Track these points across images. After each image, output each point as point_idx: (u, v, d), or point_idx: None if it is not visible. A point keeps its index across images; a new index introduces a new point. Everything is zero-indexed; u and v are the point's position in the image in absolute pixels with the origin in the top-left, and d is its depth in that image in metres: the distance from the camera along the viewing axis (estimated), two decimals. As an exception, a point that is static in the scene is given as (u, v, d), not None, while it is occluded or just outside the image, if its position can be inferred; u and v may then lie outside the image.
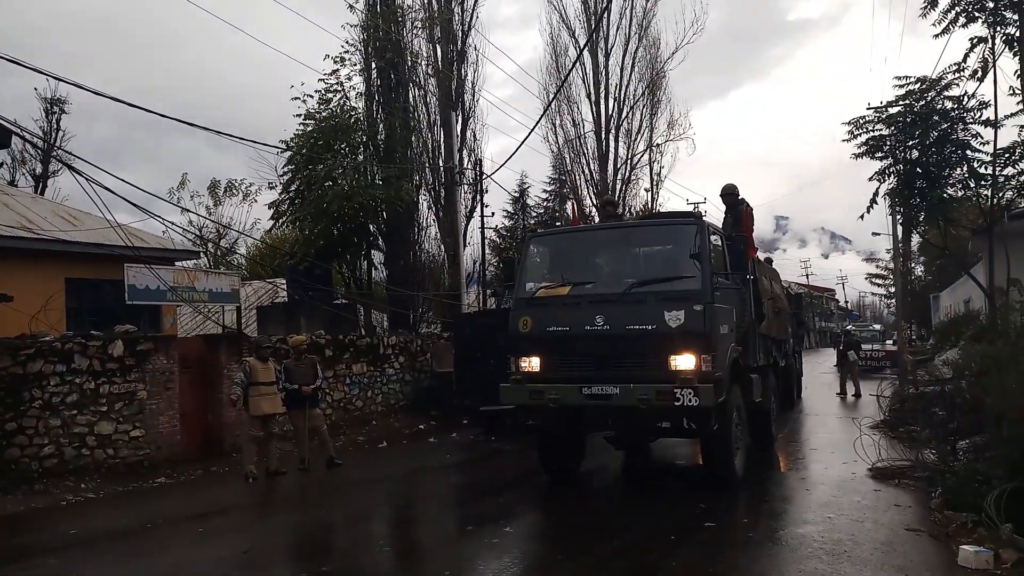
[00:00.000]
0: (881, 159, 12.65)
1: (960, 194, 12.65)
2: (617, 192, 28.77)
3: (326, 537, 7.29)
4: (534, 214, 35.93)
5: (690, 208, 28.64)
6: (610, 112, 29.08)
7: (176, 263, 15.01)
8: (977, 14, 11.55)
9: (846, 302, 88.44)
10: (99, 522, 7.84)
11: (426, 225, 20.30)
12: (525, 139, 44.91)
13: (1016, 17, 11.39)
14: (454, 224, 20.26)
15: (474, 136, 21.69)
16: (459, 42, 20.90)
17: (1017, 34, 11.44)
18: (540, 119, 30.72)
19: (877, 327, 41.77)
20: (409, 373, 16.30)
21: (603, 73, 28.81)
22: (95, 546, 6.99)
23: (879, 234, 33.22)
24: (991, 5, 11.46)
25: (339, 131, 16.78)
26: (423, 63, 20.20)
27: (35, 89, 26.46)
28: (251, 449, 10.08)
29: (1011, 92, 11.92)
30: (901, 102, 12.25)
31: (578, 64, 28.05)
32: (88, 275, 13.45)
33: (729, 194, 9.98)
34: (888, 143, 12.53)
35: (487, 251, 23.24)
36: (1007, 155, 11.77)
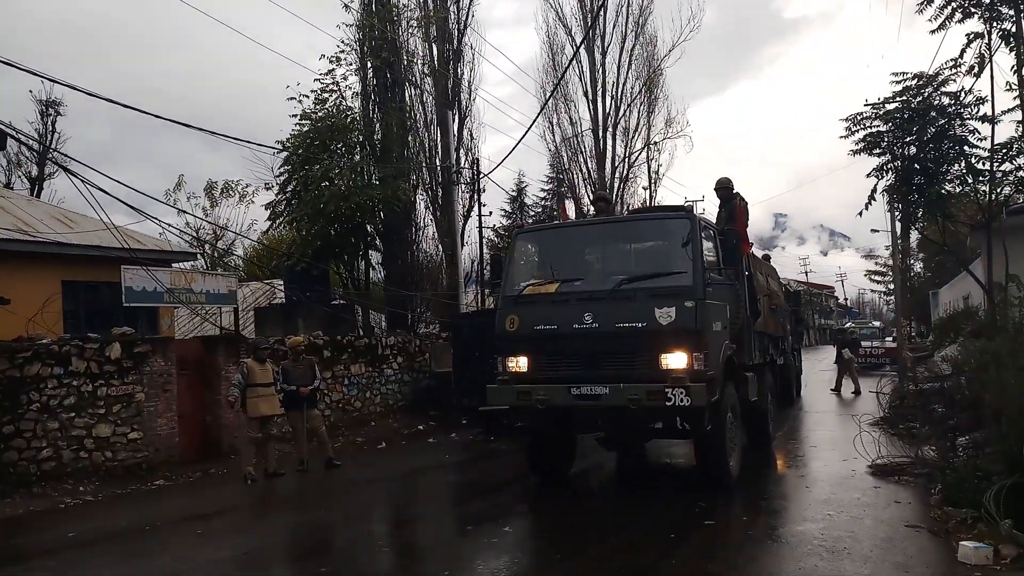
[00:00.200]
0: (879, 155, 12.67)
1: (958, 190, 12.69)
2: (615, 190, 28.75)
3: (325, 538, 7.27)
4: (532, 213, 35.85)
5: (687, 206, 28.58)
6: (607, 110, 29.09)
7: (173, 265, 14.95)
8: (973, 9, 11.59)
9: (845, 299, 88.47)
10: (98, 524, 7.82)
11: (423, 225, 20.26)
12: (522, 138, 44.47)
13: (1012, 12, 11.40)
14: (452, 224, 20.20)
15: (471, 135, 21.61)
16: (455, 41, 20.86)
17: (1013, 29, 11.45)
18: (537, 117, 30.80)
19: (876, 324, 41.67)
20: (407, 373, 16.28)
21: (600, 71, 28.80)
22: (94, 548, 6.97)
23: (878, 231, 33.28)
24: (987, 0, 11.48)
25: (335, 131, 16.76)
26: (419, 62, 20.16)
27: (30, 91, 26.35)
28: (249, 450, 10.07)
29: (1008, 87, 11.94)
30: (898, 98, 12.27)
31: (575, 62, 28.02)
32: (85, 277, 13.40)
33: (723, 188, 9.80)
34: (886, 139, 12.55)
35: (485, 250, 23.13)
36: (1005, 150, 11.81)
